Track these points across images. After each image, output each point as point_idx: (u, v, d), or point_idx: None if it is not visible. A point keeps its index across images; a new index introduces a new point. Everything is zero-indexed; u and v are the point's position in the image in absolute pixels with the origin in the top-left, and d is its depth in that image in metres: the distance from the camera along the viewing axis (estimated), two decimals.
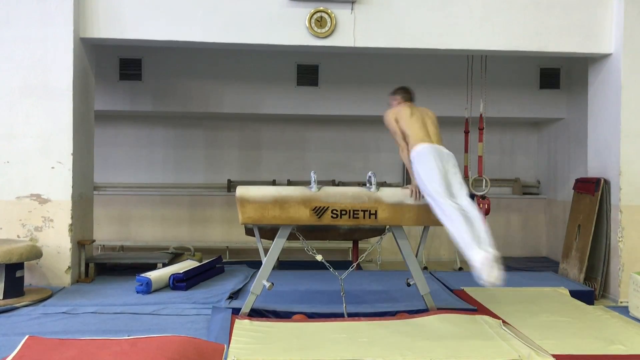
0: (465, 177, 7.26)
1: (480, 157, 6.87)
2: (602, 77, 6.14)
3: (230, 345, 3.70)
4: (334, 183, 8.50)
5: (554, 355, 3.66)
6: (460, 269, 7.69)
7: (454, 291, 5.43)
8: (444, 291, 5.38)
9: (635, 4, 5.76)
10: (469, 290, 5.46)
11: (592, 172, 6.30)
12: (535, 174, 9.06)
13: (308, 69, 7.91)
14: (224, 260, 7.32)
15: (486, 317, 4.40)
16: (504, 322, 4.38)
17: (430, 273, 6.32)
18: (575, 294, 5.47)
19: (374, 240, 6.47)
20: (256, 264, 5.34)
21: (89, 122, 6.07)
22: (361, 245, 7.13)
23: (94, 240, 6.24)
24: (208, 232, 8.45)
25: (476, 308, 4.77)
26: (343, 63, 7.92)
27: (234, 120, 8.60)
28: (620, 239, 5.77)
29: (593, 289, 5.84)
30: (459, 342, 3.85)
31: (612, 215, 5.89)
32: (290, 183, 8.41)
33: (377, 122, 8.31)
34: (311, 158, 8.70)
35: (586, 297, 5.48)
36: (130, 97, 7.75)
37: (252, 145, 8.67)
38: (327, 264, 4.57)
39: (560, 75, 8.17)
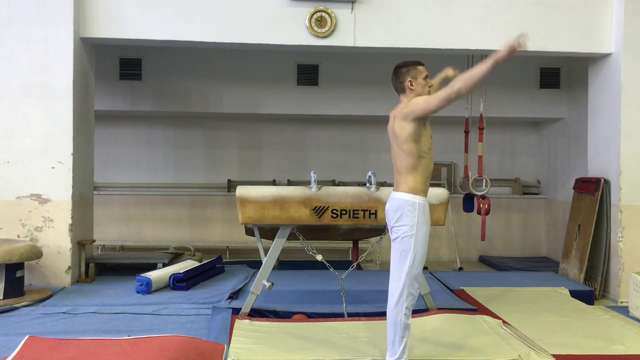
0: (465, 177, 7.27)
1: (480, 157, 6.86)
2: (603, 77, 6.14)
3: (231, 345, 3.70)
4: (334, 183, 8.49)
5: (553, 355, 3.67)
6: (461, 268, 7.69)
7: (454, 291, 5.43)
8: (444, 291, 5.38)
9: (636, 4, 5.75)
10: (469, 290, 5.47)
11: (592, 172, 6.29)
12: (535, 174, 9.05)
13: (308, 68, 7.90)
14: (224, 260, 7.32)
15: (486, 317, 4.40)
16: (504, 322, 4.38)
17: (430, 273, 6.32)
18: (575, 294, 5.48)
19: (374, 240, 6.46)
20: (256, 264, 5.34)
21: (89, 122, 6.07)
22: (361, 245, 7.13)
23: (94, 240, 6.24)
24: (208, 232, 8.44)
25: (476, 308, 4.77)
26: (343, 63, 7.92)
27: (234, 120, 8.60)
28: (621, 239, 5.77)
29: (593, 289, 5.84)
30: (459, 342, 3.85)
31: (612, 215, 5.89)
32: (290, 183, 8.41)
33: (378, 121, 8.34)
34: (311, 158, 8.69)
35: (586, 297, 5.48)
36: (130, 97, 7.74)
37: (252, 145, 8.67)
38: (327, 264, 4.57)
39: (560, 75, 8.16)
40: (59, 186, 5.49)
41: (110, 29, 5.63)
